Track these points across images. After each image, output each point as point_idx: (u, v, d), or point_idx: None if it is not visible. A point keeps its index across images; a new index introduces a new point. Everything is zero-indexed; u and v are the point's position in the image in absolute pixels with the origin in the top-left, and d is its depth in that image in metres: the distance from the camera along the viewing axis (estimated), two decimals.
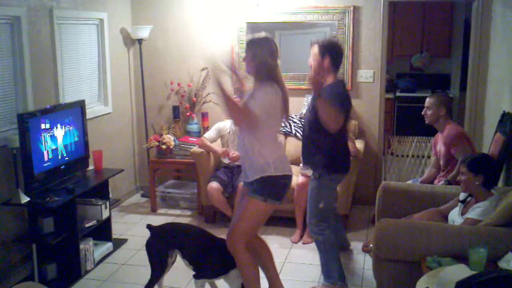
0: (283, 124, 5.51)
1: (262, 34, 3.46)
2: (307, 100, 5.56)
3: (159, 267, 3.65)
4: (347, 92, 4.00)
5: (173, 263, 3.75)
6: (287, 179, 3.45)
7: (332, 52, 3.85)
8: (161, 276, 3.70)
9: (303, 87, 5.51)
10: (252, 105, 3.28)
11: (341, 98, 3.77)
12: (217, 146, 5.31)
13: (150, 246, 3.67)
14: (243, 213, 3.48)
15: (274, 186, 3.39)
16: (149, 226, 3.73)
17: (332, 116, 3.63)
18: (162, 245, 3.65)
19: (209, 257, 3.54)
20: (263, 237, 4.06)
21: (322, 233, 3.93)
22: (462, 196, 3.56)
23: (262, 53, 3.35)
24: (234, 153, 5.11)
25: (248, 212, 3.46)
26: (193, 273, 3.63)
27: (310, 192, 4.00)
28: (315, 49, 3.88)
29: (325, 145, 3.86)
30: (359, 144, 5.27)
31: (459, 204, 3.56)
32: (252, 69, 3.40)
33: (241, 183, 4.83)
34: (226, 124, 5.32)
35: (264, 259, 3.72)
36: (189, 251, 3.62)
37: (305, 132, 4.07)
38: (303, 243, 4.83)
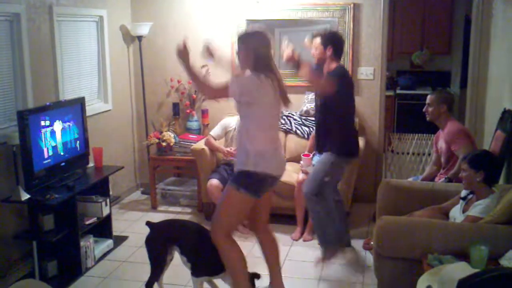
0: (282, 121, 5.54)
1: (254, 27, 3.52)
2: (307, 97, 5.55)
3: (159, 264, 3.65)
4: (349, 75, 4.43)
5: (171, 260, 3.74)
6: (268, 177, 3.41)
7: (334, 42, 4.21)
8: (161, 273, 3.70)
9: (303, 84, 5.49)
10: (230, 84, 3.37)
11: (342, 76, 4.16)
12: (221, 144, 5.31)
13: (150, 243, 3.67)
14: (220, 204, 3.53)
15: (250, 179, 3.37)
16: (148, 223, 3.73)
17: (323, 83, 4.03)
18: (161, 242, 3.65)
19: (208, 255, 3.52)
20: None
21: (318, 204, 4.23)
22: (463, 193, 3.56)
23: (255, 46, 3.35)
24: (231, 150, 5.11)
25: (223, 202, 3.49)
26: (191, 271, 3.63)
27: (318, 163, 4.31)
28: (318, 40, 4.24)
29: (338, 128, 4.21)
30: (360, 142, 5.25)
31: (460, 201, 3.56)
32: (247, 63, 3.40)
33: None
34: (232, 121, 5.29)
35: (269, 254, 3.74)
36: (188, 248, 3.61)
37: (317, 119, 4.47)
38: (304, 241, 4.83)
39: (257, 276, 3.64)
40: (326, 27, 5.16)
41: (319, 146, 4.40)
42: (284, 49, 3.74)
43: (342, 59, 5.48)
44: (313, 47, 4.29)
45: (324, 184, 4.22)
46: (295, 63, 3.76)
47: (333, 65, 4.22)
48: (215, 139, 5.27)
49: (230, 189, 3.43)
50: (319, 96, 4.35)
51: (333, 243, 4.31)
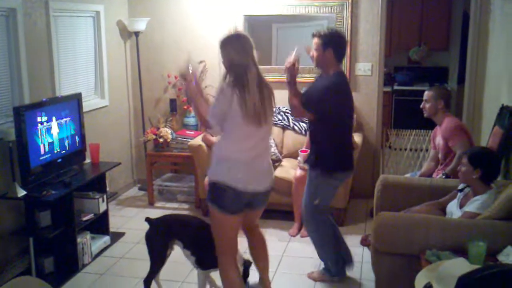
0: (279, 117, 5.51)
1: (236, 31, 3.22)
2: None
3: (159, 259, 3.65)
4: (344, 86, 3.86)
5: (169, 255, 3.74)
6: (231, 190, 3.12)
7: (334, 44, 3.75)
8: (161, 268, 3.69)
9: (300, 80, 5.46)
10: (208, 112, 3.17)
11: (336, 92, 3.74)
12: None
13: (150, 239, 3.65)
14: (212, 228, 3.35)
15: (214, 190, 3.19)
16: (148, 219, 3.71)
17: (300, 111, 3.79)
18: (162, 237, 3.63)
19: (212, 246, 3.41)
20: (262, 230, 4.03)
21: (317, 228, 3.94)
22: (461, 185, 3.56)
23: (229, 53, 3.12)
24: None
25: (213, 226, 3.33)
26: (192, 266, 3.62)
27: (307, 187, 3.95)
28: (317, 41, 3.78)
29: (327, 141, 3.81)
30: (357, 138, 5.26)
31: (458, 194, 3.55)
32: (227, 70, 3.16)
33: None
34: None
35: (257, 252, 3.64)
36: (191, 241, 3.59)
37: (310, 129, 4.04)
38: (301, 236, 4.82)
39: (249, 263, 3.63)
40: (326, 25, 4.97)
41: (309, 159, 4.01)
42: (290, 58, 3.56)
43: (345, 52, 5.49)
44: (312, 47, 3.82)
45: (316, 207, 3.88)
46: (292, 77, 3.62)
47: (331, 71, 3.78)
48: (211, 135, 5.25)
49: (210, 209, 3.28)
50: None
51: (333, 271, 4.06)
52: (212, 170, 3.23)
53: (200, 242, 3.56)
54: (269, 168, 3.33)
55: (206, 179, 4.01)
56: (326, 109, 3.71)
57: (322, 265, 4.12)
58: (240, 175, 3.12)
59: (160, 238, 3.63)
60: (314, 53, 3.81)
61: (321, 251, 4.05)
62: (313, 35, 3.80)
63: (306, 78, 5.28)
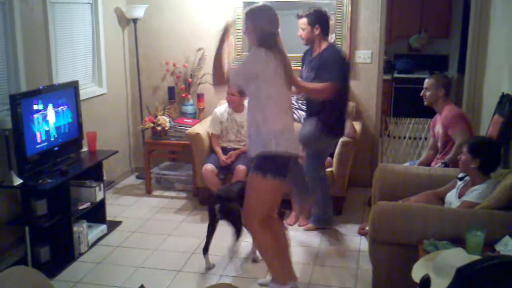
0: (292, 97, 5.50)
1: (261, 3, 3.48)
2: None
3: (240, 226, 3.84)
4: (341, 55, 4.37)
5: None
6: (290, 157, 3.35)
7: (321, 20, 4.24)
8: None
9: (300, 67, 5.43)
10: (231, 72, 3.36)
11: (338, 64, 4.17)
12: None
13: (231, 210, 3.84)
14: (248, 192, 3.44)
15: (274, 162, 3.30)
16: (218, 195, 3.98)
17: (325, 90, 4.01)
18: (237, 205, 3.80)
19: None
20: None
21: (321, 185, 4.51)
22: (461, 174, 3.53)
23: (262, 22, 3.31)
24: (230, 155, 5.07)
25: (251, 191, 3.42)
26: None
27: (306, 158, 4.43)
28: (304, 21, 4.25)
29: (327, 105, 4.17)
30: (356, 126, 5.22)
31: (458, 182, 3.53)
32: (254, 40, 3.35)
33: (240, 166, 4.81)
34: (222, 110, 5.21)
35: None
36: None
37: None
38: (299, 225, 4.80)
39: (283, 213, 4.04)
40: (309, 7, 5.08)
41: (308, 111, 4.49)
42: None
43: (339, 42, 5.49)
44: (300, 28, 4.29)
45: (319, 171, 4.47)
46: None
47: (324, 45, 4.27)
48: (217, 136, 5.20)
49: (255, 178, 3.35)
50: (313, 71, 4.27)
51: (328, 221, 4.68)
52: (269, 143, 3.28)
53: None
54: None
55: (241, 167, 4.81)
56: (343, 76, 4.20)
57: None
58: (292, 141, 3.40)
59: (237, 205, 3.79)
60: (301, 32, 4.28)
61: (323, 204, 4.59)
62: (299, 16, 4.30)
63: (297, 66, 5.28)
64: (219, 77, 3.37)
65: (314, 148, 4.44)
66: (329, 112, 4.24)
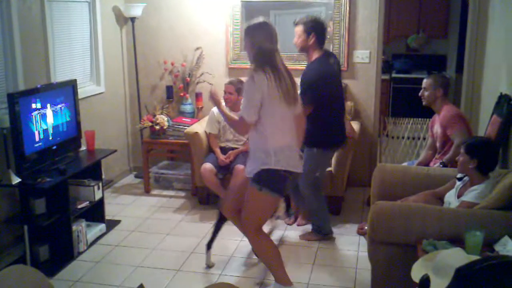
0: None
1: (260, 19, 3.41)
2: None
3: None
4: (330, 67, 4.24)
5: None
6: (289, 174, 3.36)
7: (317, 30, 4.14)
8: None
9: (299, 67, 5.41)
10: (242, 110, 3.32)
11: (316, 84, 4.10)
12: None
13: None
14: (245, 203, 3.49)
15: (271, 177, 3.33)
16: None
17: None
18: None
19: None
20: None
21: (315, 192, 4.39)
22: (459, 174, 3.54)
23: (259, 39, 3.30)
24: (229, 155, 5.05)
25: (248, 202, 3.46)
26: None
27: (305, 162, 4.09)
28: (300, 28, 4.16)
29: (318, 120, 4.13)
30: (355, 126, 5.22)
31: (456, 182, 3.53)
32: (251, 57, 3.35)
33: (239, 166, 4.80)
34: (218, 110, 5.18)
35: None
36: None
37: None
38: (297, 225, 4.80)
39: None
40: (321, 13, 5.09)
41: (306, 140, 4.20)
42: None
43: (337, 42, 5.49)
44: (295, 35, 4.20)
45: (316, 178, 4.37)
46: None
47: (315, 55, 4.18)
48: (215, 136, 5.19)
49: (252, 191, 3.38)
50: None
51: (325, 231, 4.52)
52: (269, 160, 3.31)
53: None
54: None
55: (240, 167, 4.71)
56: (318, 96, 4.09)
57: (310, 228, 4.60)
58: (293, 160, 3.37)
59: None
60: (297, 40, 4.19)
61: (316, 212, 4.49)
62: (296, 23, 4.21)
63: (296, 65, 5.29)
64: (238, 125, 3.41)
65: (325, 167, 4.51)
66: (323, 125, 4.21)
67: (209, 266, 4.04)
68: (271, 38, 3.32)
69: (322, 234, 4.50)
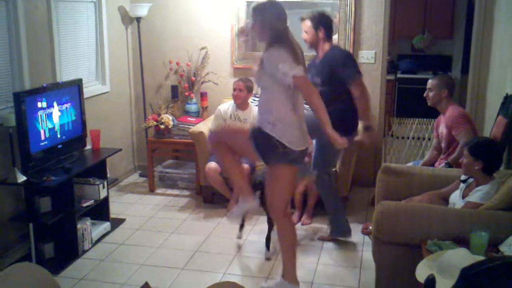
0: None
1: None
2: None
3: None
4: (347, 52, 4.53)
5: None
6: (284, 148, 3.32)
7: (324, 23, 4.20)
8: None
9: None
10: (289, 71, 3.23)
11: (350, 58, 4.27)
12: None
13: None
14: (268, 184, 3.55)
15: (266, 144, 3.34)
16: (259, 181, 4.02)
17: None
18: None
19: None
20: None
21: (328, 181, 4.39)
22: (463, 176, 3.53)
23: (270, 18, 3.31)
24: None
25: (271, 181, 3.50)
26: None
27: (320, 151, 4.31)
28: (308, 23, 4.21)
29: (337, 107, 4.01)
30: (360, 125, 5.21)
31: (461, 184, 3.53)
32: (263, 36, 3.36)
33: (244, 165, 4.80)
34: (226, 108, 5.20)
35: (286, 242, 3.66)
36: None
37: (328, 96, 4.15)
38: (302, 224, 4.81)
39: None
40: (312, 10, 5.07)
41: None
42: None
43: (343, 42, 5.49)
44: (303, 30, 4.24)
45: (328, 166, 4.39)
46: None
47: (327, 47, 4.23)
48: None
49: (273, 168, 3.42)
50: (319, 76, 4.20)
51: (343, 230, 4.48)
52: (268, 126, 3.32)
53: None
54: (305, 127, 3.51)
55: (244, 165, 4.46)
56: (354, 71, 4.15)
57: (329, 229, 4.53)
58: (293, 137, 3.33)
59: None
60: (305, 35, 4.24)
61: (329, 203, 4.44)
62: (302, 19, 4.26)
63: None
64: (310, 90, 3.32)
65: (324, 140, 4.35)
66: (342, 109, 4.12)
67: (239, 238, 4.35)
68: (281, 17, 3.34)
69: (340, 233, 4.46)
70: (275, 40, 3.29)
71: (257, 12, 3.40)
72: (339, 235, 4.47)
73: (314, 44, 4.26)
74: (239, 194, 3.67)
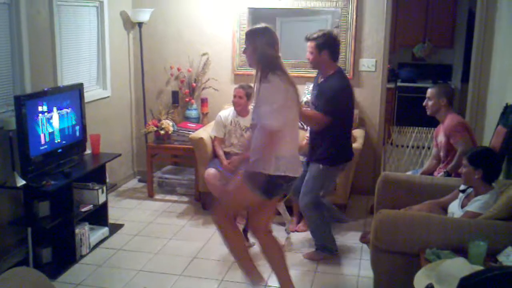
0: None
1: (262, 24, 3.38)
2: (307, 88, 5.50)
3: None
4: (347, 83, 4.17)
5: None
6: (286, 180, 3.29)
7: (329, 45, 4.02)
8: None
9: (304, 74, 5.45)
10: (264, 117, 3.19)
11: (339, 96, 4.04)
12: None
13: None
14: (230, 189, 3.52)
15: (267, 183, 3.25)
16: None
17: (317, 120, 4.01)
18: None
19: None
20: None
21: (317, 210, 4.20)
22: (462, 186, 3.53)
23: (262, 45, 3.25)
24: (233, 160, 5.01)
25: (234, 192, 3.45)
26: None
27: (310, 178, 4.17)
28: (312, 44, 4.04)
29: (331, 138, 4.09)
30: (359, 134, 5.23)
31: (460, 194, 3.53)
32: (254, 62, 3.31)
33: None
34: (226, 114, 5.20)
35: (271, 257, 3.61)
36: None
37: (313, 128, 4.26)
38: (298, 231, 4.80)
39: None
40: (327, 21, 5.06)
41: (310, 154, 4.26)
42: None
43: (343, 50, 5.49)
44: (308, 51, 4.10)
45: (318, 197, 4.22)
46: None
47: (331, 71, 4.08)
48: (221, 140, 5.18)
49: (243, 184, 3.31)
50: (318, 98, 4.14)
51: (330, 248, 4.33)
52: (268, 166, 3.22)
53: None
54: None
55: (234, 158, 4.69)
56: (341, 109, 4.06)
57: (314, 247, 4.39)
58: (293, 165, 3.31)
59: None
60: (309, 56, 4.09)
61: (318, 230, 4.30)
62: (307, 39, 4.08)
63: (302, 72, 5.33)
64: (271, 136, 3.21)
65: (330, 185, 4.47)
66: (336, 142, 4.14)
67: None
68: (273, 45, 3.28)
69: (327, 252, 4.31)
70: (269, 68, 3.22)
71: (250, 37, 3.34)
72: (325, 253, 4.33)
73: (316, 65, 4.15)
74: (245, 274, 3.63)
